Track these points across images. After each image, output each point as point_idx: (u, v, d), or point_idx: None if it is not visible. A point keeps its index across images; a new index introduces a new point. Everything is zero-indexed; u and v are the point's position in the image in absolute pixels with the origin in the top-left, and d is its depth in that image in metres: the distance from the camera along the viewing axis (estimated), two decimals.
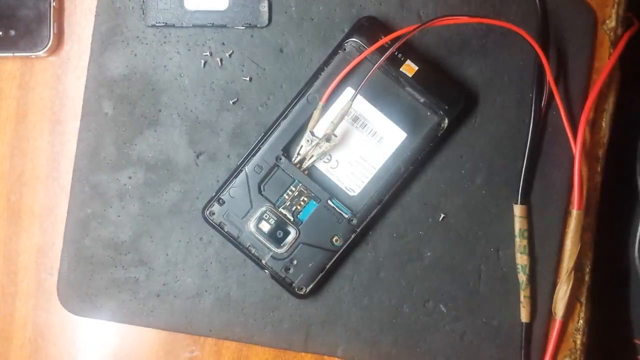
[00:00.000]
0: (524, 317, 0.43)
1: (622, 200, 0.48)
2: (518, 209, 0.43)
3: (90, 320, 0.45)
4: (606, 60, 0.43)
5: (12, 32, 0.45)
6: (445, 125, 0.42)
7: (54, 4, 0.45)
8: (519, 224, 0.43)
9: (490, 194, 0.43)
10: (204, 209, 0.42)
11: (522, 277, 0.43)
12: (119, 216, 0.44)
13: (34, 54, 0.45)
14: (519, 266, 0.43)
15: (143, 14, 0.44)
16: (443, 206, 0.43)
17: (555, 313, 0.43)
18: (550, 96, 0.42)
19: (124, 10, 0.44)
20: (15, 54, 0.45)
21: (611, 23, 0.44)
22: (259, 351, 0.45)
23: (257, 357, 0.45)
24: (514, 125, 0.43)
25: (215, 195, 0.42)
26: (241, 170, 0.41)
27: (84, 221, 0.44)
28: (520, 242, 0.43)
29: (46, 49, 0.45)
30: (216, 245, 0.44)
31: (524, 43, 0.42)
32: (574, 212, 0.42)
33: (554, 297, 0.43)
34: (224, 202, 0.42)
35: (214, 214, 0.42)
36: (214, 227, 0.42)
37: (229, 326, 0.44)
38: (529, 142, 0.43)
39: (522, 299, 0.43)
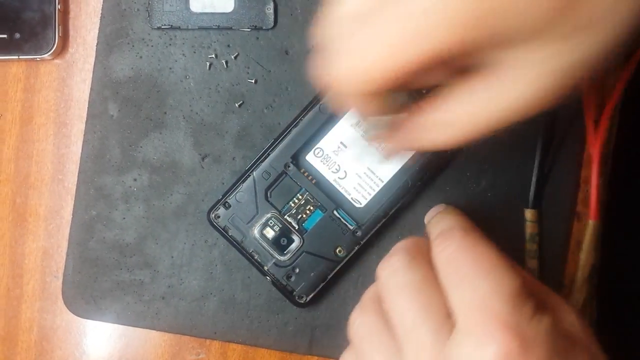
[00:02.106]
0: None
1: (630, 204, 0.47)
2: (529, 214, 0.42)
3: (96, 324, 0.45)
4: None
5: (17, 35, 0.45)
6: None
7: (59, 6, 0.45)
8: (529, 228, 0.42)
9: (495, 196, 0.43)
10: (209, 211, 0.42)
11: None
12: (124, 218, 0.44)
13: (39, 56, 0.45)
14: (530, 271, 0.42)
15: (149, 16, 0.44)
16: None
17: None
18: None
19: (129, 13, 0.44)
20: (20, 57, 0.45)
21: None
22: (265, 355, 0.44)
23: None
24: (519, 128, 0.43)
25: (222, 198, 0.42)
26: (249, 175, 0.41)
27: (89, 223, 0.44)
28: (530, 247, 0.42)
29: (51, 51, 0.45)
30: (221, 247, 0.44)
31: None
32: (590, 223, 0.42)
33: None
34: (230, 206, 0.42)
35: (219, 217, 0.42)
36: (218, 230, 0.42)
37: (233, 329, 0.44)
38: (539, 146, 0.42)
39: None
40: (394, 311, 0.32)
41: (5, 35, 0.45)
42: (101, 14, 0.44)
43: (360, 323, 0.34)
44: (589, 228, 0.42)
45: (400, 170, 0.41)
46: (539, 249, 0.43)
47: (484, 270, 0.29)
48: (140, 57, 0.44)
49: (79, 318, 0.44)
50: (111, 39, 0.44)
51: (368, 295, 0.35)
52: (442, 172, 0.43)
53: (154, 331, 0.45)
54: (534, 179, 0.42)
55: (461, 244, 0.31)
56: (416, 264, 0.32)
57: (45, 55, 0.45)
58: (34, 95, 0.46)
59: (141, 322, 0.44)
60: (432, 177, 0.42)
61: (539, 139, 0.42)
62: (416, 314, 0.30)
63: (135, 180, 0.44)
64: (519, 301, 0.28)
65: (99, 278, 0.44)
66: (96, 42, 0.44)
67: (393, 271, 0.33)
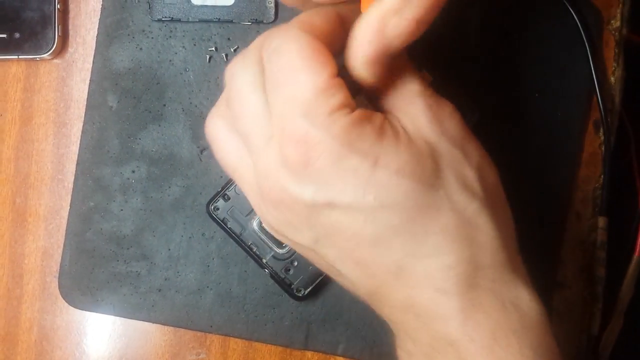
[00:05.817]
0: (596, 328, 0.43)
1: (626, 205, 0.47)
2: (602, 221, 0.42)
3: (96, 324, 0.45)
4: (611, 61, 0.43)
5: (17, 35, 0.44)
6: None
7: (59, 6, 0.45)
8: (600, 236, 0.42)
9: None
10: (208, 203, 0.42)
11: (599, 289, 0.42)
12: (121, 210, 0.44)
13: (39, 56, 0.45)
14: (598, 278, 0.42)
15: (149, 8, 0.44)
16: None
17: (599, 352, 0.43)
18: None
19: (130, 4, 0.44)
20: (20, 57, 0.45)
21: (616, 23, 0.44)
22: (265, 354, 0.44)
23: (262, 359, 0.44)
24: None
25: (221, 190, 0.42)
26: None
27: (86, 214, 0.44)
28: (600, 255, 0.42)
29: (51, 51, 0.44)
30: (218, 241, 0.44)
31: (529, 42, 0.42)
32: (635, 258, 0.43)
33: (605, 334, 0.43)
34: (229, 198, 0.42)
35: (218, 209, 0.42)
36: (217, 222, 0.42)
37: (229, 322, 0.44)
38: (606, 155, 0.42)
39: (594, 310, 0.43)
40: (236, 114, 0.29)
41: (5, 35, 0.44)
42: (102, 4, 0.44)
43: (214, 124, 0.31)
44: (633, 263, 0.43)
45: None
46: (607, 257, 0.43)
47: (288, 74, 0.27)
48: (140, 48, 0.44)
49: (79, 318, 0.44)
50: (111, 30, 0.44)
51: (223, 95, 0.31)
52: None
53: (154, 331, 0.44)
54: (603, 186, 0.42)
55: (276, 45, 0.28)
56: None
57: (45, 55, 0.45)
58: (33, 95, 0.46)
59: (137, 314, 0.44)
60: None
61: (609, 147, 0.42)
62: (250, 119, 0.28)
63: (133, 172, 0.44)
64: (314, 103, 0.26)
65: (95, 269, 0.44)
66: (96, 34, 0.44)
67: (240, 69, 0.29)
